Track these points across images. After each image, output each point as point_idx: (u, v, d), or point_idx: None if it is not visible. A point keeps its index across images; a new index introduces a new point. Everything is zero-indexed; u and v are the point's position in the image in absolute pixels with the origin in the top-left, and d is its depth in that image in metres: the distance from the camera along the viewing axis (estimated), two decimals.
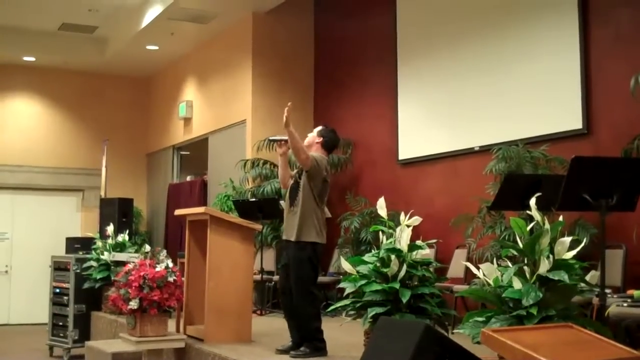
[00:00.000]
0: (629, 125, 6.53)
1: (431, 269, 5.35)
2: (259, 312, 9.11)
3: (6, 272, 13.84)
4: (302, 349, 5.84)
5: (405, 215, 5.22)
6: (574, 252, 4.08)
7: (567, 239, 4.09)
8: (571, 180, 4.24)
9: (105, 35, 13.38)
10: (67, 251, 11.07)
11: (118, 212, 11.49)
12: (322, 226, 5.94)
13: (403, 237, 5.14)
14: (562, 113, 7.31)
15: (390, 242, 5.19)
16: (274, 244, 10.27)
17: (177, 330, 7.10)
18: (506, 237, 6.63)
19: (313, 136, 6.21)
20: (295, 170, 6.19)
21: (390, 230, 5.25)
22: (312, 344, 5.85)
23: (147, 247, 7.76)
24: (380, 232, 5.33)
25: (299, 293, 5.87)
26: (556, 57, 7.41)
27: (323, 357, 5.84)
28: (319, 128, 6.30)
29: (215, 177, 12.18)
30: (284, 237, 6.15)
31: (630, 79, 6.02)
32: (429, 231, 6.43)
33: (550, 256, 4.02)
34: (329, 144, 6.19)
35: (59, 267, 9.85)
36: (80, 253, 10.09)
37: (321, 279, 9.28)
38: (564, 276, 3.92)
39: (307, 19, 11.69)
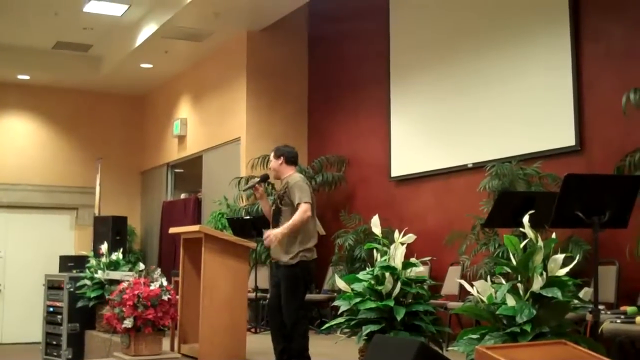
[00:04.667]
0: (621, 142, 6.57)
1: (425, 287, 5.35)
2: (253, 330, 9.10)
3: (0, 290, 13.78)
4: None
5: (399, 233, 5.23)
6: (567, 269, 4.09)
7: (560, 256, 4.10)
8: (564, 197, 4.26)
9: (100, 54, 13.42)
10: (61, 269, 11.03)
11: (112, 230, 11.46)
12: (309, 243, 5.95)
13: (397, 255, 5.15)
14: (555, 130, 7.35)
15: (385, 260, 5.19)
16: (269, 262, 10.22)
17: (172, 349, 7.08)
18: (500, 254, 6.65)
19: (274, 162, 6.26)
20: (274, 197, 6.22)
21: (385, 248, 5.26)
22: None
23: (141, 266, 7.77)
24: (375, 250, 5.33)
25: (288, 311, 5.87)
26: (548, 74, 7.45)
27: None
28: (273, 151, 6.34)
29: (210, 195, 12.18)
30: (272, 257, 6.17)
31: (622, 96, 6.07)
32: (423, 248, 6.45)
33: (544, 273, 4.03)
34: (290, 156, 6.24)
35: (52, 286, 9.82)
36: (74, 271, 10.06)
37: (315, 296, 9.32)
38: (557, 293, 3.93)
39: (301, 37, 11.75)
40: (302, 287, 5.93)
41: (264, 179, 6.38)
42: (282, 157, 6.19)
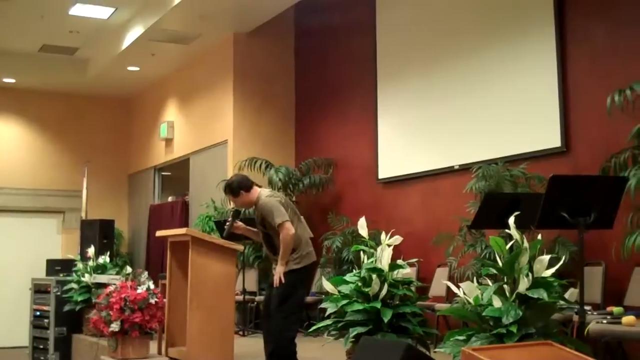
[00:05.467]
0: (607, 143, 6.60)
1: (412, 288, 5.36)
2: (241, 332, 9.09)
3: None
4: None
5: (386, 235, 5.24)
6: (552, 270, 4.10)
7: (546, 257, 4.12)
8: (549, 198, 4.28)
9: (86, 57, 13.38)
10: (48, 273, 10.98)
11: (99, 233, 11.44)
12: (302, 249, 5.94)
13: (384, 257, 5.15)
14: (541, 131, 7.37)
15: (372, 262, 5.20)
16: (256, 265, 10.26)
17: (159, 352, 7.05)
18: (487, 256, 6.66)
19: (239, 200, 6.13)
20: (256, 222, 6.20)
21: (371, 250, 5.27)
22: None
23: (129, 269, 7.75)
24: (362, 252, 5.34)
25: (278, 314, 5.87)
26: (534, 76, 7.48)
27: None
28: (228, 194, 6.21)
29: (197, 198, 12.16)
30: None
31: (607, 97, 6.10)
32: (410, 250, 6.46)
33: (530, 274, 4.04)
34: (243, 186, 6.07)
35: (39, 290, 9.77)
36: (61, 275, 10.01)
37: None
38: (543, 294, 3.94)
39: (288, 39, 11.75)
40: (292, 291, 5.90)
41: (236, 216, 6.23)
42: (240, 192, 6.06)
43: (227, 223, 6.08)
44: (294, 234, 5.81)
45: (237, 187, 6.07)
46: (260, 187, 6.19)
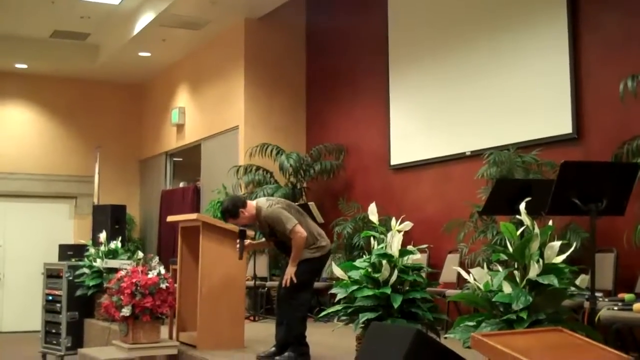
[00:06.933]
0: (619, 130, 6.56)
1: (423, 274, 5.35)
2: (251, 318, 9.12)
3: None
4: (286, 354, 5.87)
5: (397, 221, 5.23)
6: (563, 256, 4.09)
7: (557, 243, 4.10)
8: (561, 184, 4.26)
9: (98, 42, 13.39)
10: (60, 258, 11.03)
11: (111, 219, 11.47)
12: (316, 241, 5.96)
13: (394, 243, 5.15)
14: (553, 118, 7.34)
15: (382, 248, 5.20)
16: (267, 250, 10.27)
17: (170, 337, 7.09)
18: (498, 242, 6.65)
19: (240, 220, 6.04)
20: (260, 232, 6.21)
21: (382, 236, 5.26)
22: (297, 349, 5.88)
23: (140, 254, 7.77)
24: (372, 238, 5.34)
25: (287, 296, 5.91)
26: (546, 63, 7.44)
27: None
28: (228, 218, 6.11)
29: (208, 184, 12.18)
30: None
31: (619, 84, 6.06)
32: (421, 236, 6.44)
33: (540, 260, 4.03)
34: (240, 205, 5.98)
35: (51, 275, 9.82)
36: (73, 260, 10.05)
37: (314, 284, 9.32)
38: (553, 280, 3.93)
39: (300, 25, 11.72)
40: (305, 275, 5.92)
41: (243, 235, 6.12)
42: (239, 212, 5.97)
43: (238, 246, 6.04)
44: (304, 237, 5.82)
45: (233, 208, 5.97)
46: (250, 200, 6.17)
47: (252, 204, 6.06)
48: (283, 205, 5.99)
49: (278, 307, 6.22)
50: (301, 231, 5.81)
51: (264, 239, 6.38)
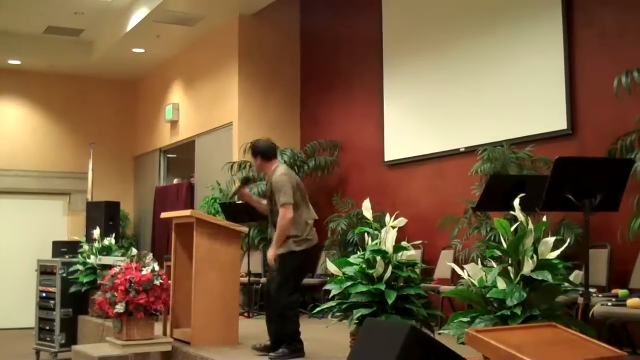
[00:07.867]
0: (613, 126, 6.56)
1: (417, 270, 5.35)
2: (246, 314, 9.11)
3: None
4: (280, 350, 5.87)
5: (391, 217, 5.22)
6: (557, 252, 4.09)
7: (551, 239, 4.10)
8: (555, 180, 4.26)
9: (91, 38, 13.35)
10: (54, 255, 11.01)
11: (105, 215, 11.46)
12: (304, 232, 5.95)
13: (388, 239, 5.14)
14: (547, 114, 7.34)
15: (376, 244, 5.19)
16: (261, 247, 10.26)
17: (164, 334, 7.08)
18: (492, 238, 6.65)
19: (253, 161, 6.24)
20: (262, 193, 6.22)
21: (376, 232, 5.26)
22: (291, 345, 5.88)
23: (134, 251, 7.75)
24: (366, 234, 5.33)
25: (275, 296, 5.91)
26: (541, 58, 7.43)
27: (301, 358, 5.87)
28: (250, 151, 6.29)
29: (202, 180, 12.16)
30: None
31: (614, 79, 6.06)
32: (415, 232, 6.45)
33: (534, 256, 4.03)
34: (267, 152, 6.15)
35: (45, 271, 9.80)
36: (67, 257, 10.04)
37: (308, 280, 9.31)
38: (547, 276, 3.93)
39: (294, 21, 11.70)
40: (293, 272, 5.92)
41: (244, 182, 6.31)
42: (258, 156, 6.14)
43: (236, 187, 6.12)
44: (290, 219, 5.82)
45: (258, 151, 6.14)
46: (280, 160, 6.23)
47: (275, 163, 6.14)
48: (294, 182, 5.99)
49: (266, 304, 6.22)
50: (289, 211, 5.81)
51: (264, 201, 6.33)
